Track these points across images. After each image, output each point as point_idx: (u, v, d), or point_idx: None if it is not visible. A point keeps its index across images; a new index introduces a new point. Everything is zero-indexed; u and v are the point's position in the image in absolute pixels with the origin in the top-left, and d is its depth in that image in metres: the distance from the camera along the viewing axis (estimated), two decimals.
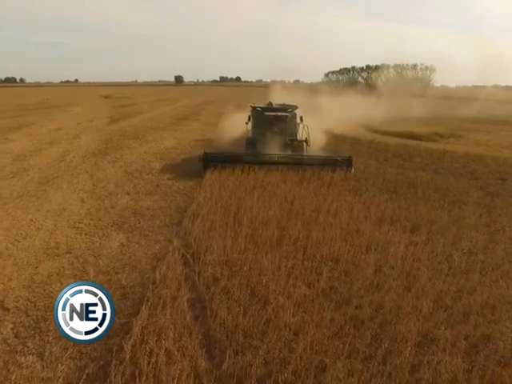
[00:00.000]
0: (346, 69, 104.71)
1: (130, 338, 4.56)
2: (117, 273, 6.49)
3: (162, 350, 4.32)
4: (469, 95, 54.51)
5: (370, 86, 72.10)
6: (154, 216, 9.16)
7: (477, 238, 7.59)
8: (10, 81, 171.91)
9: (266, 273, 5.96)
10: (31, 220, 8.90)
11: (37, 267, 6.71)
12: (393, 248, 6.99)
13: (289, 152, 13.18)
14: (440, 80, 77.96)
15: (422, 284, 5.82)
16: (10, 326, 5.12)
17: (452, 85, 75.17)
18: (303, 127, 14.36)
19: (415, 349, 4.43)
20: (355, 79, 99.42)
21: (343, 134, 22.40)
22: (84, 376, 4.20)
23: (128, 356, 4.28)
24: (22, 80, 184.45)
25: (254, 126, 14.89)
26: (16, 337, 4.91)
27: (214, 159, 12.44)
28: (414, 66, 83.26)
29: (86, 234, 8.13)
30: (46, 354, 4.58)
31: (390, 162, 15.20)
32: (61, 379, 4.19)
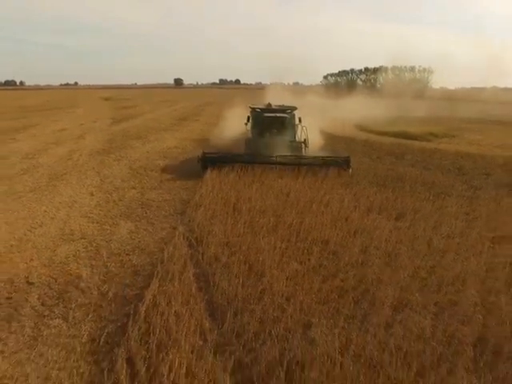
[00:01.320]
0: (344, 71, 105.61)
1: (144, 303, 5.25)
2: (128, 254, 7.18)
3: (172, 312, 5.01)
4: (468, 97, 55.44)
5: (368, 88, 73.00)
6: (160, 207, 9.86)
7: (456, 224, 8.28)
8: (9, 84, 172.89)
9: (262, 252, 6.65)
10: (45, 211, 9.59)
11: (54, 250, 7.40)
12: (378, 232, 7.69)
13: (287, 152, 13.37)
14: (439, 81, 78.40)
15: (401, 261, 6.51)
16: (36, 296, 5.80)
17: (451, 87, 75.66)
18: (302, 128, 14.66)
19: (391, 311, 5.12)
20: (354, 81, 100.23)
21: (340, 134, 23.08)
22: (105, 333, 4.88)
23: (143, 316, 4.96)
24: (21, 83, 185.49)
25: (253, 127, 15.21)
26: (42, 305, 5.59)
27: (213, 160, 12.78)
28: (412, 68, 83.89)
29: (97, 223, 8.82)
30: (70, 318, 5.26)
31: (383, 159, 15.91)
32: (85, 336, 4.87)
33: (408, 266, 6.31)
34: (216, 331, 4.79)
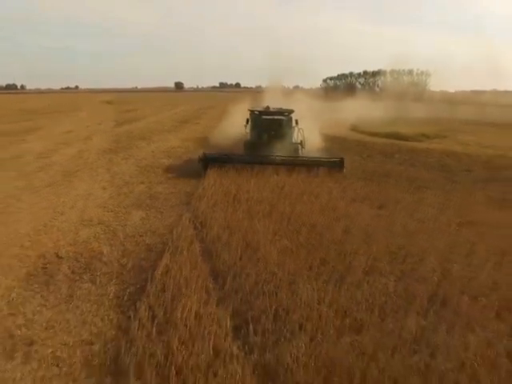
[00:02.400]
0: (343, 74, 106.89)
1: (158, 270, 6.34)
2: (141, 236, 8.27)
3: (182, 276, 6.08)
4: (467, 99, 56.51)
5: (367, 91, 74.09)
6: (167, 199, 10.96)
7: (430, 211, 9.35)
8: (10, 87, 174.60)
9: (257, 233, 7.72)
10: (64, 202, 10.68)
11: (77, 233, 8.49)
12: (360, 218, 8.77)
13: (285, 153, 13.79)
14: (439, 84, 79.10)
15: (377, 240, 7.57)
16: (67, 267, 6.88)
17: (451, 89, 76.44)
18: (298, 130, 15.36)
19: (362, 275, 6.18)
20: (353, 85, 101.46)
21: (336, 134, 24.07)
22: (127, 293, 5.96)
23: (158, 279, 6.04)
24: (22, 87, 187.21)
25: (252, 129, 15.94)
26: (73, 273, 6.68)
27: (213, 160, 13.52)
28: (410, 72, 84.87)
29: (111, 211, 9.90)
30: (97, 282, 6.35)
31: (373, 158, 17.03)
32: (111, 294, 5.95)
33: (382, 243, 7.38)
34: (218, 289, 5.87)
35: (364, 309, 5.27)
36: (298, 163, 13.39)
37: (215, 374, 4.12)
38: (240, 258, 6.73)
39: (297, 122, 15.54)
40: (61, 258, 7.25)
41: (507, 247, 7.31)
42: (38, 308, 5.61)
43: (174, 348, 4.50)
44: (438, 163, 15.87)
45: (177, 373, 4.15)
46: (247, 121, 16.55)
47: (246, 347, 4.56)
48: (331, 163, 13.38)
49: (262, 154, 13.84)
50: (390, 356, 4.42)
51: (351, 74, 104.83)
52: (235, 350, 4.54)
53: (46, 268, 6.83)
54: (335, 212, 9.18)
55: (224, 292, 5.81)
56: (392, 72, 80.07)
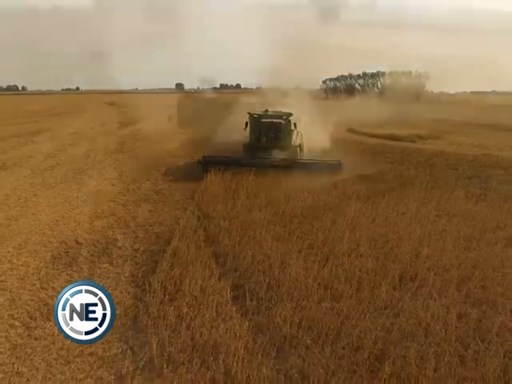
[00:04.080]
0: (343, 76, 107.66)
1: (167, 252, 7.27)
2: (150, 226, 9.22)
3: (188, 257, 7.01)
4: (466, 101, 57.39)
5: (366, 92, 74.91)
6: (172, 194, 11.92)
7: (412, 205, 10.22)
8: (11, 89, 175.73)
9: (255, 222, 8.66)
10: (77, 197, 11.63)
11: (92, 223, 9.43)
12: (348, 210, 9.67)
13: (283, 156, 14.18)
14: (438, 86, 79.66)
15: (361, 229, 8.49)
16: (86, 251, 7.81)
17: (451, 91, 77.06)
18: (297, 133, 15.76)
19: (346, 257, 7.09)
20: (352, 86, 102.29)
21: (334, 136, 24.91)
22: (141, 271, 6.90)
23: (167, 259, 6.98)
24: (23, 88, 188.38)
25: (251, 132, 16.31)
26: (92, 255, 7.62)
27: (213, 162, 13.99)
28: (409, 73, 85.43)
29: (122, 205, 10.85)
30: (114, 263, 7.29)
31: (366, 157, 17.89)
32: (127, 273, 6.89)
33: (365, 232, 8.30)
34: (220, 267, 6.81)
35: (344, 282, 6.20)
36: (296, 166, 13.76)
37: (217, 329, 5.05)
38: (239, 243, 7.65)
39: (295, 125, 15.87)
40: (80, 244, 8.19)
41: (475, 234, 8.23)
42: (65, 283, 6.49)
43: (184, 311, 5.44)
44: (426, 162, 16.76)
45: (186, 328, 5.09)
46: (246, 124, 17.26)
47: (243, 310, 5.50)
48: (329, 166, 13.72)
49: (261, 157, 14.35)
50: (362, 317, 5.34)
51: (351, 75, 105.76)
52: (234, 312, 5.48)
53: (68, 252, 7.77)
54: (325, 205, 10.10)
55: (225, 270, 6.76)
56: (391, 74, 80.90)
